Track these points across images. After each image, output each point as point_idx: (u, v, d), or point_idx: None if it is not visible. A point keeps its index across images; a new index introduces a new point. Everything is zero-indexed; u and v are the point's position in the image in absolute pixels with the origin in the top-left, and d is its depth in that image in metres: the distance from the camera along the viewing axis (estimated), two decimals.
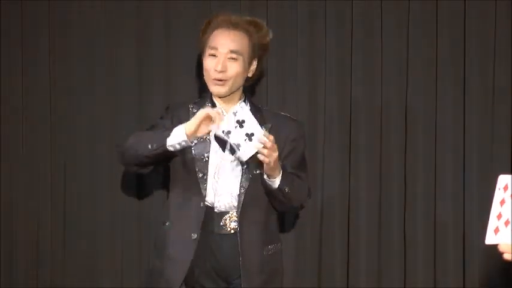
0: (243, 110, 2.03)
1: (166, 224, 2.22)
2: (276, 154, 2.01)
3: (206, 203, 2.17)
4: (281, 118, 2.27)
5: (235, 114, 2.01)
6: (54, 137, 2.92)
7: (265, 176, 2.09)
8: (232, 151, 2.07)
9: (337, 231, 2.84)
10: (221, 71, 2.13)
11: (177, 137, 2.03)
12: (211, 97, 2.25)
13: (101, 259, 2.91)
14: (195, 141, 2.15)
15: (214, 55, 2.16)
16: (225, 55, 2.14)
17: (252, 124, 1.99)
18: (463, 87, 2.78)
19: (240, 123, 1.98)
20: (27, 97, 2.92)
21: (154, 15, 2.87)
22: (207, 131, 2.02)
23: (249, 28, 2.20)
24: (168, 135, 2.04)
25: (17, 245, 2.94)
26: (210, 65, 2.16)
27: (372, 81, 2.82)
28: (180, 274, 2.15)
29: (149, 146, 2.07)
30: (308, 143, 2.61)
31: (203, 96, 2.36)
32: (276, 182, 2.08)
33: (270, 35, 2.26)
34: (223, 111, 2.20)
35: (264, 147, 1.97)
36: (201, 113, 2.01)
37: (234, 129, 1.98)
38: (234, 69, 2.15)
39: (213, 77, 2.15)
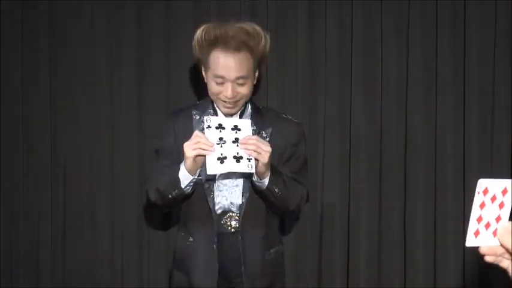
0: (246, 123, 2.02)
1: (190, 239, 2.22)
2: (269, 149, 1.98)
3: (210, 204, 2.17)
4: (282, 120, 2.24)
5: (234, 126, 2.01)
6: (54, 137, 2.92)
7: (254, 179, 2.07)
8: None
9: (337, 231, 2.84)
10: (232, 97, 2.08)
11: (186, 180, 2.06)
12: (213, 102, 2.23)
13: (101, 259, 2.91)
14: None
15: (221, 82, 2.08)
16: (232, 82, 2.07)
17: (245, 135, 1.98)
18: (463, 87, 2.78)
19: (236, 129, 1.98)
20: (27, 97, 2.93)
21: (155, 15, 2.87)
22: (202, 160, 2.01)
23: (250, 43, 2.06)
24: (180, 182, 2.06)
25: (17, 245, 2.95)
26: (218, 90, 2.09)
27: (372, 82, 2.82)
28: (212, 285, 2.16)
29: (170, 196, 2.10)
30: (308, 144, 2.61)
31: (205, 98, 2.34)
32: (265, 183, 2.06)
33: (269, 41, 2.16)
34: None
35: (250, 144, 1.95)
36: (189, 155, 1.98)
37: (230, 130, 1.97)
38: (244, 91, 2.09)
39: (223, 100, 2.11)
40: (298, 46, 2.83)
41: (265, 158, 1.97)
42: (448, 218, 2.79)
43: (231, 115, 2.16)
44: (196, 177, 2.05)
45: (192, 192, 2.12)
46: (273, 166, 2.05)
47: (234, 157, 1.97)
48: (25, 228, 2.94)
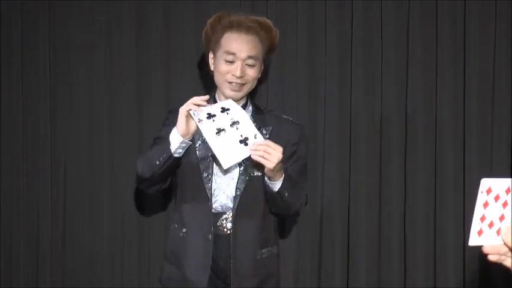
0: (230, 102, 2.07)
1: (183, 230, 2.22)
2: (278, 155, 1.97)
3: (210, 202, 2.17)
4: (282, 121, 2.26)
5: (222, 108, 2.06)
6: (54, 136, 2.92)
7: (266, 178, 2.08)
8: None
9: (337, 231, 2.84)
10: (240, 77, 2.13)
11: (175, 142, 2.06)
12: (215, 97, 2.24)
13: (101, 259, 2.91)
14: (199, 142, 2.16)
15: (231, 61, 2.14)
16: (242, 61, 2.13)
17: (238, 113, 2.01)
18: (463, 87, 2.78)
19: (225, 110, 2.01)
20: (27, 97, 2.92)
21: (154, 15, 2.87)
22: (195, 125, 2.03)
23: (261, 32, 2.17)
24: (170, 143, 2.07)
25: (17, 245, 2.95)
26: (227, 70, 2.14)
27: (372, 82, 2.82)
28: (204, 278, 2.16)
29: (157, 162, 2.09)
30: (308, 144, 2.61)
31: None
32: (276, 185, 2.06)
33: (278, 35, 2.25)
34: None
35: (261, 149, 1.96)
36: (181, 109, 2.03)
37: (220, 113, 2.00)
38: (252, 74, 2.16)
39: (230, 81, 2.14)
40: (298, 46, 2.83)
41: (270, 164, 1.96)
42: (448, 218, 2.79)
43: (236, 101, 2.18)
44: (187, 140, 2.06)
45: (181, 158, 2.11)
46: (286, 171, 2.07)
47: (241, 141, 1.97)
48: (25, 228, 2.94)
